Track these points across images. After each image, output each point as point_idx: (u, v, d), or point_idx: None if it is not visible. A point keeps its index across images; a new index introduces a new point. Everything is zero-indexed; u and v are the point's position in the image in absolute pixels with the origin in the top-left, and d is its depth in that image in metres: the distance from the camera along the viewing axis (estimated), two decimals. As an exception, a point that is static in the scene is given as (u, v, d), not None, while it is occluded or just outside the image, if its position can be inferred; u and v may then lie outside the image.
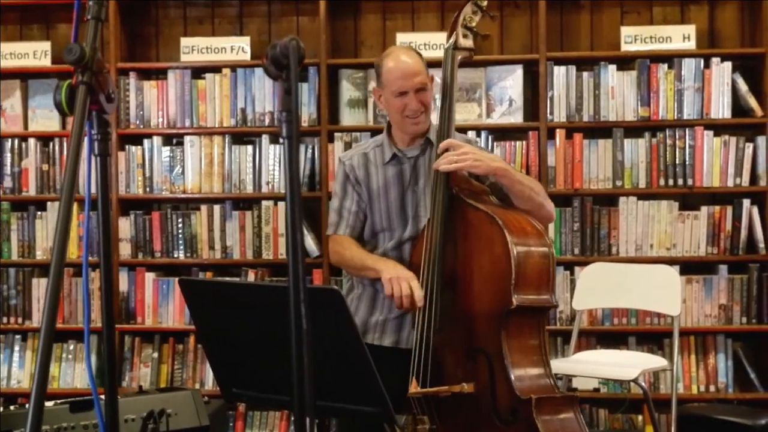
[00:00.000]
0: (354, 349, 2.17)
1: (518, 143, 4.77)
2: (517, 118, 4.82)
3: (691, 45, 4.76)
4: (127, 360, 4.93)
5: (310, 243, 4.80)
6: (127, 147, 4.93)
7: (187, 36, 5.04)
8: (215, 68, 4.92)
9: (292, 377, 1.80)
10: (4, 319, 4.97)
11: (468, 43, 3.17)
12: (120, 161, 4.91)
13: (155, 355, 4.94)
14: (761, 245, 4.66)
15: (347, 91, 4.90)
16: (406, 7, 5.07)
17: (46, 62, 4.98)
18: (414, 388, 2.91)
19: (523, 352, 2.91)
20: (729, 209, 4.70)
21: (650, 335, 4.78)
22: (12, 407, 3.04)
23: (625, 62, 4.82)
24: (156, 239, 4.92)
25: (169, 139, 5.00)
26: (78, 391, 4.80)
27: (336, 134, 4.84)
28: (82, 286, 4.86)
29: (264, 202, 4.86)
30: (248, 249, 4.87)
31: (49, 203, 4.97)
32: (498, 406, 2.86)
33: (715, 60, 4.71)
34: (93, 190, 1.90)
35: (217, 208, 4.90)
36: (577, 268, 4.68)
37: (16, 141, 4.99)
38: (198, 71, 4.96)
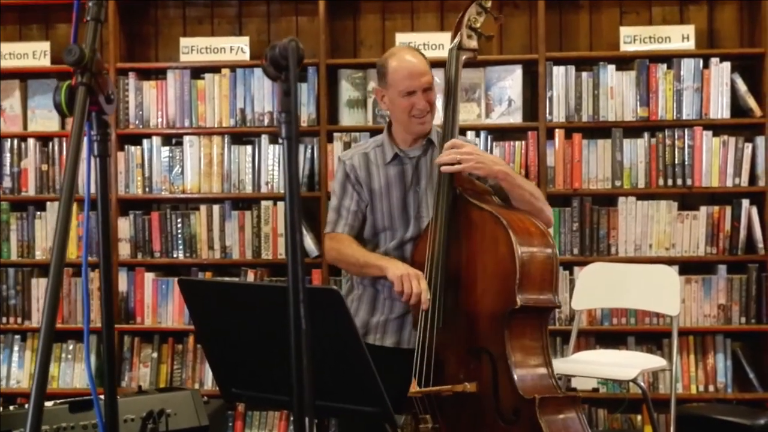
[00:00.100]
0: (353, 349, 2.17)
1: (517, 143, 4.77)
2: (516, 118, 4.82)
3: (690, 45, 4.76)
4: (127, 360, 4.94)
5: (309, 243, 4.80)
6: (126, 147, 4.93)
7: (186, 36, 5.04)
8: (214, 68, 4.93)
9: (291, 377, 1.81)
10: (4, 319, 4.97)
11: (472, 43, 3.18)
12: (119, 161, 4.91)
13: (154, 355, 4.94)
14: (760, 245, 4.66)
15: (346, 91, 4.90)
16: (406, 7, 5.07)
17: (45, 62, 4.98)
18: (414, 387, 2.91)
19: (526, 352, 2.92)
20: (728, 209, 4.70)
21: (649, 335, 4.79)
22: (11, 407, 3.04)
23: (624, 62, 4.82)
24: (155, 239, 4.92)
25: (168, 139, 5.00)
26: (77, 391, 4.81)
27: (335, 134, 4.84)
28: (82, 286, 4.87)
29: (263, 202, 4.86)
30: (247, 249, 4.87)
31: (48, 203, 4.97)
32: (501, 405, 2.87)
33: (714, 60, 4.71)
34: (92, 190, 1.90)
35: (216, 208, 4.90)
36: (576, 268, 4.68)
37: (16, 141, 4.99)
38: (197, 71, 4.96)
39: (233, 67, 4.91)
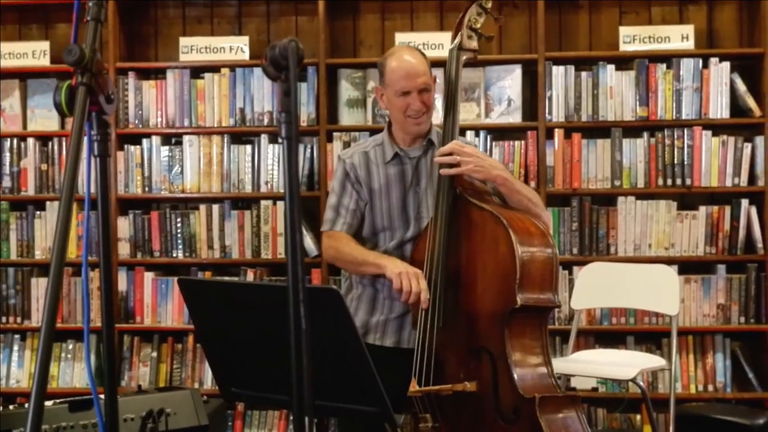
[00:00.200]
0: (353, 349, 2.18)
1: (517, 143, 4.78)
2: (515, 118, 4.83)
3: (689, 45, 4.76)
4: (126, 359, 4.94)
5: (309, 243, 4.80)
6: (126, 147, 4.93)
7: (186, 36, 5.04)
8: (214, 68, 4.93)
9: (291, 377, 1.81)
10: (3, 319, 4.97)
11: (473, 44, 3.18)
12: (119, 161, 4.91)
13: (154, 354, 4.94)
14: (759, 245, 4.67)
15: (346, 90, 4.90)
16: (405, 6, 5.07)
17: (45, 62, 4.98)
18: (414, 387, 2.92)
19: (526, 352, 2.92)
20: (727, 209, 4.71)
21: (648, 335, 4.79)
22: (11, 407, 3.04)
23: (623, 62, 4.82)
24: (155, 239, 4.92)
25: (167, 139, 5.00)
26: (77, 390, 4.81)
27: (335, 134, 4.84)
28: (82, 285, 4.87)
29: (263, 202, 4.86)
30: (247, 248, 4.87)
31: (48, 203, 4.97)
32: (501, 404, 2.87)
33: (713, 60, 4.71)
34: (93, 190, 1.90)
35: (215, 207, 4.90)
36: (575, 268, 4.69)
37: (15, 141, 4.99)
38: (197, 71, 4.96)
39: (233, 66, 4.91)
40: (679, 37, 4.77)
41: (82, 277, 1.81)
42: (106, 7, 1.88)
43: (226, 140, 4.89)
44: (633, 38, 4.78)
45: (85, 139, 1.85)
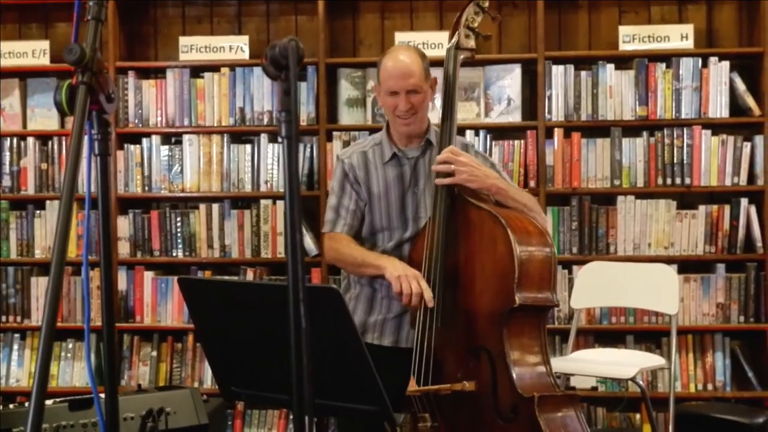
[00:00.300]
0: (352, 348, 2.18)
1: (516, 142, 4.78)
2: (515, 117, 4.83)
3: (689, 44, 4.77)
4: (126, 359, 4.94)
5: (308, 242, 4.80)
6: (125, 146, 4.94)
7: (185, 35, 5.04)
8: (214, 67, 4.93)
9: (291, 376, 1.81)
10: (3, 318, 4.97)
11: (470, 43, 3.18)
12: (119, 160, 4.92)
13: (154, 353, 4.94)
14: (759, 244, 4.67)
15: (346, 90, 4.90)
16: (405, 6, 5.07)
17: (44, 61, 4.98)
18: (413, 386, 2.92)
19: (524, 351, 2.93)
20: (727, 208, 4.71)
21: (648, 334, 4.79)
22: (11, 406, 3.04)
23: (623, 61, 4.83)
24: (155, 238, 4.92)
25: (167, 138, 5.00)
26: (77, 389, 4.82)
27: (334, 133, 4.84)
28: (82, 285, 4.87)
29: (262, 201, 4.86)
30: (247, 248, 4.88)
31: (48, 202, 4.98)
32: (499, 404, 2.87)
33: (713, 59, 4.72)
34: (93, 189, 1.90)
35: (215, 206, 4.90)
36: (575, 267, 4.69)
37: (15, 140, 4.99)
38: (197, 70, 4.96)
39: (233, 66, 4.91)
40: (679, 36, 4.78)
41: (83, 277, 1.81)
42: (106, 7, 1.88)
43: (225, 140, 4.89)
44: (632, 38, 4.78)
45: (86, 138, 1.85)
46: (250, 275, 4.86)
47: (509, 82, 4.83)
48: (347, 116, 4.90)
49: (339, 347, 2.19)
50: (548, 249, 2.99)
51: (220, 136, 4.89)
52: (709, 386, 4.72)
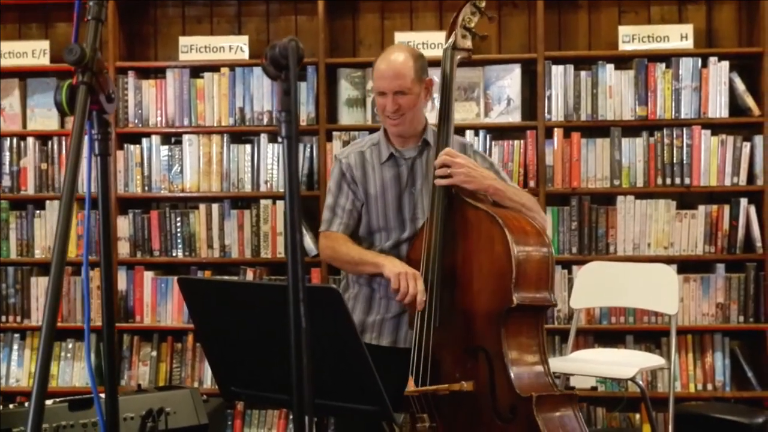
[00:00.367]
0: (352, 348, 2.18)
1: (516, 142, 4.78)
2: (515, 117, 4.83)
3: (688, 44, 4.77)
4: (126, 359, 4.94)
5: (308, 242, 4.80)
6: (125, 146, 4.94)
7: (185, 35, 5.04)
8: (214, 67, 4.93)
9: (290, 376, 1.81)
10: (3, 318, 4.97)
11: (467, 43, 3.19)
12: (118, 160, 4.92)
13: (154, 353, 4.94)
14: (758, 244, 4.67)
15: (345, 90, 4.90)
16: (405, 6, 5.07)
17: (44, 61, 4.99)
18: (411, 386, 2.92)
19: (522, 350, 2.93)
20: (726, 208, 4.71)
21: (648, 334, 4.79)
22: (11, 406, 3.04)
23: (622, 61, 4.83)
24: (154, 238, 4.92)
25: (167, 138, 5.00)
26: (77, 389, 4.82)
27: (334, 133, 4.85)
28: (82, 285, 4.87)
29: (262, 201, 4.87)
30: (246, 248, 4.88)
31: (47, 202, 4.98)
32: (498, 404, 2.87)
33: (712, 59, 4.72)
34: (93, 189, 1.90)
35: (215, 206, 4.91)
36: (574, 267, 4.69)
37: (15, 140, 5.00)
38: (196, 70, 4.96)
39: (232, 66, 4.91)
40: (678, 36, 4.78)
41: (82, 277, 1.81)
42: (106, 7, 1.88)
43: (225, 140, 4.89)
44: (632, 38, 4.79)
45: (86, 138, 1.86)
46: (249, 275, 4.86)
47: (509, 82, 4.83)
48: (347, 116, 4.90)
49: (339, 347, 2.19)
50: (546, 249, 2.99)
51: (220, 136, 4.90)
52: (709, 386, 4.73)
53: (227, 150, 4.89)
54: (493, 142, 4.79)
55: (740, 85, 4.72)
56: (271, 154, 4.88)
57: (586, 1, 4.99)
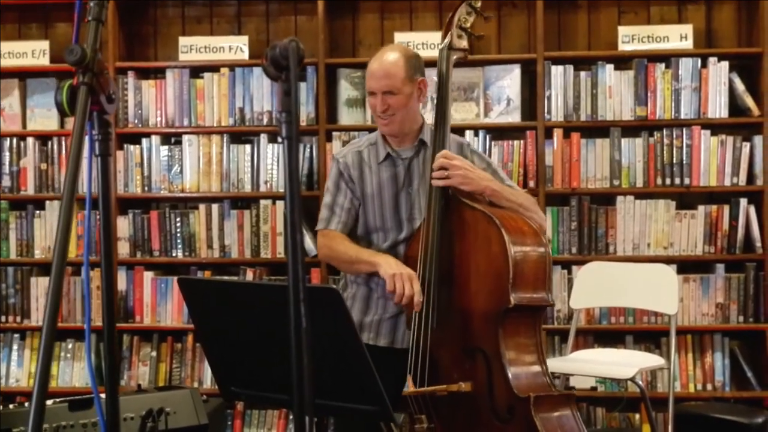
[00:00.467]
0: (352, 348, 2.18)
1: (516, 142, 4.78)
2: (514, 118, 4.83)
3: (688, 44, 4.77)
4: (126, 359, 4.94)
5: (308, 242, 4.79)
6: (125, 146, 4.94)
7: (185, 35, 5.04)
8: (213, 67, 4.93)
9: (291, 376, 1.81)
10: (3, 318, 4.97)
11: (463, 43, 3.19)
12: (118, 160, 4.92)
13: (153, 353, 4.95)
14: (758, 244, 4.67)
15: (345, 90, 4.90)
16: (404, 6, 5.08)
17: (44, 61, 4.99)
18: (411, 387, 2.92)
19: (520, 351, 2.93)
20: (726, 208, 4.71)
21: (647, 334, 4.80)
22: (11, 406, 3.04)
23: (622, 62, 4.83)
24: (154, 238, 4.92)
25: (167, 139, 5.00)
26: (76, 389, 4.82)
27: (334, 133, 4.85)
28: (83, 285, 4.87)
29: (262, 201, 4.87)
30: (246, 248, 4.88)
31: (47, 202, 4.98)
32: (495, 404, 2.87)
33: (712, 59, 4.72)
34: (93, 189, 1.90)
35: (215, 207, 4.91)
36: (574, 267, 4.69)
37: (15, 140, 5.00)
38: (196, 70, 4.96)
39: (232, 66, 4.91)
40: (678, 36, 4.78)
41: (83, 276, 1.81)
42: (107, 8, 1.89)
43: (225, 140, 4.89)
44: (632, 38, 4.79)
45: (86, 138, 1.86)
46: (249, 275, 4.86)
47: (508, 82, 4.83)
48: (347, 116, 4.90)
49: (339, 347, 2.20)
50: (542, 248, 2.99)
51: (220, 136, 4.90)
52: (709, 386, 4.73)
53: (227, 150, 4.89)
54: (492, 143, 4.79)
55: (740, 86, 4.72)
56: (271, 154, 4.88)
57: (586, 1, 4.99)
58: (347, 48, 5.08)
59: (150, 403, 2.95)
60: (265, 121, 4.89)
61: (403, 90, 3.18)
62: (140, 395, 3.10)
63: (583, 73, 4.77)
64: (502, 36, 4.99)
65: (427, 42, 4.76)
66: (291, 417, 4.63)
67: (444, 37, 3.19)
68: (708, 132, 4.72)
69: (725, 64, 4.72)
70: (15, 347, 5.02)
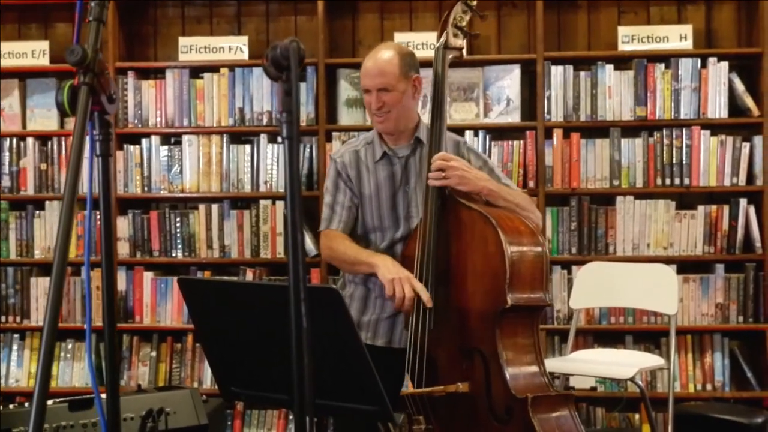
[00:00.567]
0: (352, 348, 2.18)
1: (516, 143, 4.78)
2: (514, 118, 4.83)
3: (688, 45, 4.77)
4: (126, 359, 4.94)
5: (308, 242, 4.80)
6: (125, 146, 4.94)
7: (185, 35, 5.04)
8: (213, 68, 4.93)
9: (291, 376, 1.81)
10: (3, 318, 4.97)
11: (458, 42, 3.18)
12: (118, 161, 4.92)
13: (153, 354, 4.95)
14: (758, 244, 4.68)
15: (345, 90, 4.90)
16: (404, 6, 5.08)
17: (44, 61, 4.99)
18: (409, 387, 2.92)
19: (517, 351, 2.92)
20: (726, 208, 4.71)
21: (647, 334, 4.80)
22: (11, 406, 3.04)
23: (622, 62, 4.83)
24: (154, 238, 4.92)
25: (167, 139, 5.00)
26: (76, 389, 4.82)
27: (334, 133, 4.85)
28: (84, 285, 4.87)
29: (262, 202, 4.87)
30: (246, 248, 4.88)
31: (47, 202, 4.98)
32: (493, 405, 2.87)
33: (712, 60, 4.72)
34: (94, 190, 1.90)
35: (215, 207, 4.91)
36: (574, 267, 4.69)
37: (15, 140, 5.00)
38: (196, 71, 4.96)
39: (232, 66, 4.91)
40: (678, 36, 4.78)
41: (84, 277, 1.82)
42: (107, 8, 1.89)
43: (225, 140, 4.89)
44: (631, 38, 4.79)
45: (87, 138, 1.86)
46: (249, 275, 4.86)
47: (508, 82, 4.83)
48: (347, 116, 4.90)
49: (339, 347, 2.20)
50: (540, 248, 2.99)
51: (220, 136, 4.90)
52: (708, 386, 4.73)
53: (227, 150, 4.89)
54: (492, 143, 4.79)
55: (739, 86, 4.72)
56: (271, 154, 4.88)
57: (586, 2, 4.99)
58: (347, 48, 5.09)
59: (150, 403, 2.95)
60: (265, 121, 4.89)
61: (397, 87, 3.19)
62: (140, 395, 3.10)
63: (582, 73, 4.78)
64: (502, 36, 5.00)
65: (427, 42, 4.76)
66: (291, 417, 4.63)
67: (440, 36, 3.19)
68: (708, 132, 4.73)
69: (725, 65, 4.72)
70: (15, 347, 5.02)
